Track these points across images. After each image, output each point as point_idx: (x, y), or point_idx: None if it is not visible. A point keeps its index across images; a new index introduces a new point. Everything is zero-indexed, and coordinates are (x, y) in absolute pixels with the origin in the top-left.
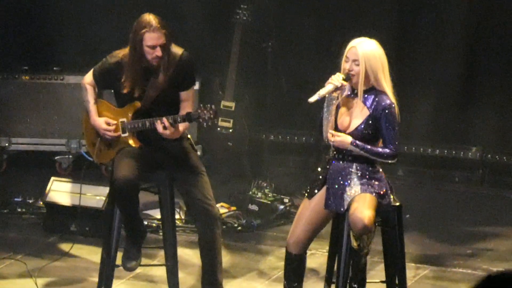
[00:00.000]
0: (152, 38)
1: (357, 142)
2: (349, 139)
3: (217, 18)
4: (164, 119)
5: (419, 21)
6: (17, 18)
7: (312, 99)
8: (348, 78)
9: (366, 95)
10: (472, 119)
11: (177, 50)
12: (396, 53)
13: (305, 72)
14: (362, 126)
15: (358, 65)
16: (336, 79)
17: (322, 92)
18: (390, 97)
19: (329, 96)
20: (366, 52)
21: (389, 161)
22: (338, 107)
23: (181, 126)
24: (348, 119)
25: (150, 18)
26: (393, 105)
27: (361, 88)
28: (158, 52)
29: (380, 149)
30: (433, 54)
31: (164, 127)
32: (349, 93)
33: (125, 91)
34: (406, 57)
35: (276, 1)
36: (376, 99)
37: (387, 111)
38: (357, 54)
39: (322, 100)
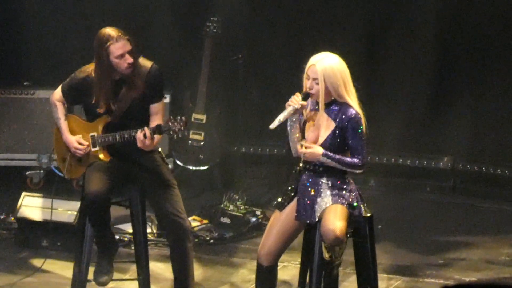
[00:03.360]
0: (118, 48)
1: (328, 153)
2: (320, 150)
3: (187, 31)
4: (146, 129)
5: (389, 32)
6: None
7: (273, 125)
8: (306, 97)
9: (330, 107)
10: (443, 128)
11: (146, 63)
12: (366, 64)
13: (276, 84)
14: (330, 138)
15: (318, 83)
16: (295, 101)
17: (281, 117)
18: (355, 108)
19: (291, 118)
20: (325, 69)
21: (357, 171)
22: (305, 122)
23: (155, 138)
24: (316, 133)
25: (108, 30)
26: (359, 116)
27: (322, 103)
28: (129, 59)
29: (350, 159)
30: (403, 65)
31: (145, 136)
32: (312, 107)
33: (99, 110)
34: (376, 68)
35: (246, 13)
36: (341, 110)
37: (352, 121)
38: (316, 73)
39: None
